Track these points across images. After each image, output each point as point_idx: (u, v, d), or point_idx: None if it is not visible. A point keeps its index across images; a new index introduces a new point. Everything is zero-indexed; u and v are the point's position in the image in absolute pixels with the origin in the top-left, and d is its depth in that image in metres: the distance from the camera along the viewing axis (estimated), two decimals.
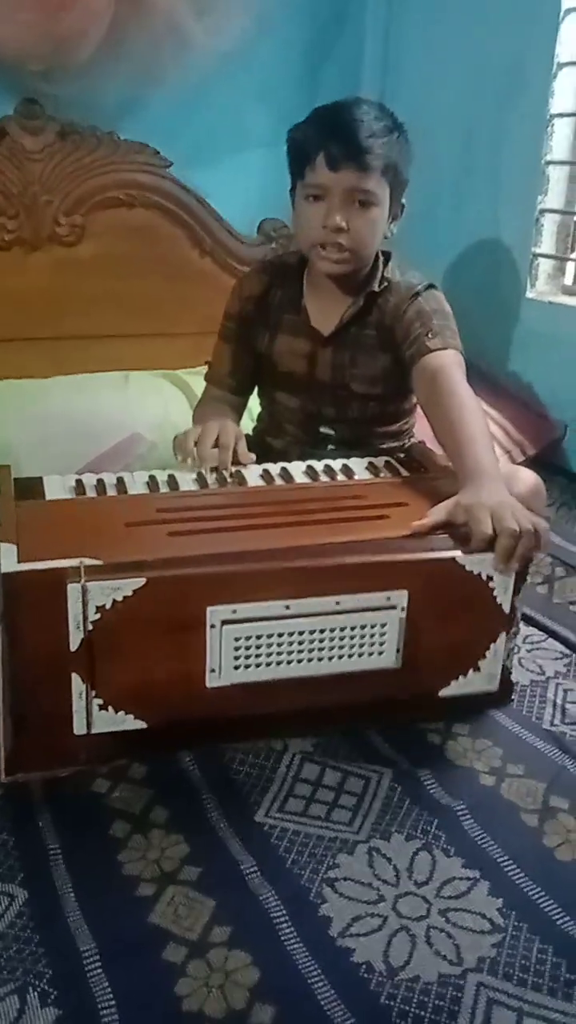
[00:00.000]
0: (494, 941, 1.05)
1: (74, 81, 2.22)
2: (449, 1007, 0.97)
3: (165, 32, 2.19)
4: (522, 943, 1.05)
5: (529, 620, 1.70)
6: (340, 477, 1.45)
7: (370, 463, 1.50)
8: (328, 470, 1.47)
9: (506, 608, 1.25)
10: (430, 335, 1.46)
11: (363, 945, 1.04)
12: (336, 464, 1.49)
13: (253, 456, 1.48)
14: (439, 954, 1.03)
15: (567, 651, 1.63)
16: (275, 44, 2.42)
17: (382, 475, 1.47)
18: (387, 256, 1.57)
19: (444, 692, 1.28)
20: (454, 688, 1.28)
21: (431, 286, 1.54)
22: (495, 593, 1.23)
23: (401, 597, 1.20)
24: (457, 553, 1.21)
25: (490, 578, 1.22)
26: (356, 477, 1.46)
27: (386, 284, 1.54)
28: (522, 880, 1.13)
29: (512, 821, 1.23)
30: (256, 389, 1.71)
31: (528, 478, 1.50)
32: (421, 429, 1.65)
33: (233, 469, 1.44)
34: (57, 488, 1.37)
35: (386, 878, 1.13)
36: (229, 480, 1.42)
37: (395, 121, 1.46)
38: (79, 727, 1.16)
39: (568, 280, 2.46)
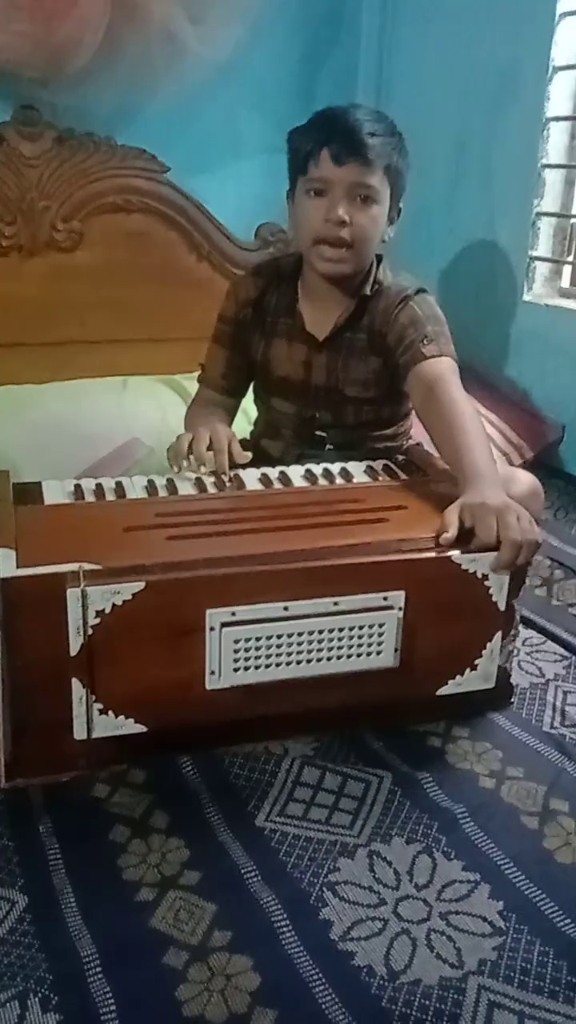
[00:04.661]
0: (495, 944, 1.05)
1: (70, 89, 2.22)
2: (450, 1010, 0.96)
3: (160, 41, 2.20)
4: (523, 946, 1.04)
5: (528, 623, 1.70)
6: (338, 481, 1.46)
7: (368, 466, 1.51)
8: (326, 474, 1.47)
9: (502, 606, 1.25)
10: (425, 341, 1.46)
11: (364, 949, 1.04)
12: (334, 468, 1.49)
13: (248, 455, 1.48)
14: (440, 957, 1.03)
15: (566, 653, 1.63)
16: (270, 51, 2.43)
17: (380, 478, 1.47)
18: (379, 258, 1.57)
19: (442, 691, 1.28)
20: (451, 687, 1.28)
21: (421, 290, 1.54)
22: (491, 591, 1.24)
23: (398, 597, 1.20)
24: (453, 552, 1.21)
25: (486, 576, 1.23)
26: (354, 480, 1.46)
27: (377, 287, 1.54)
28: (523, 883, 1.13)
29: (512, 824, 1.23)
30: (252, 395, 1.72)
31: (526, 480, 1.50)
32: (418, 431, 1.66)
33: (231, 473, 1.44)
34: (56, 493, 1.37)
35: (387, 881, 1.13)
36: (228, 483, 1.42)
37: (395, 127, 1.48)
38: (79, 732, 1.16)
39: (565, 283, 2.46)
